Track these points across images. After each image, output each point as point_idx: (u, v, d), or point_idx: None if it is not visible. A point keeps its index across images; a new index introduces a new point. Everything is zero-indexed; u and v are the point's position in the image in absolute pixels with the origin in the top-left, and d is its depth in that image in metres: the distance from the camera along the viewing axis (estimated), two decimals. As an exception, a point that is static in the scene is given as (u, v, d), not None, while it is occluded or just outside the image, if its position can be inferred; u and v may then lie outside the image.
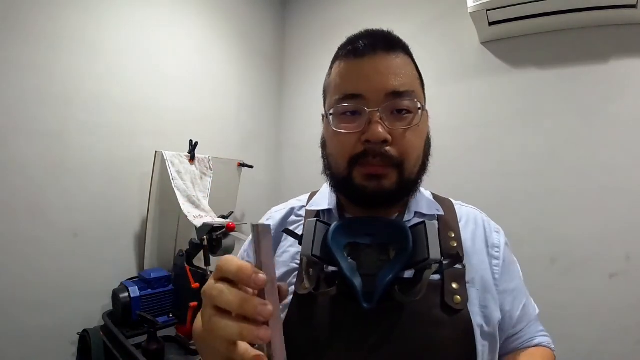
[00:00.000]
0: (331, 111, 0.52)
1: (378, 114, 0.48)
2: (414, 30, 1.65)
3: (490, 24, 1.36)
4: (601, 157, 1.26)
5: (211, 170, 1.63)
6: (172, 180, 1.44)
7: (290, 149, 2.17)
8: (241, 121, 1.96)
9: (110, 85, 1.40)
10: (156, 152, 1.45)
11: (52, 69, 1.25)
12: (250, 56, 2.01)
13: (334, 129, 0.51)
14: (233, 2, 1.92)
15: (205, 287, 0.33)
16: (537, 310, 0.61)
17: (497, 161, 1.45)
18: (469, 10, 1.32)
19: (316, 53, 2.03)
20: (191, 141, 1.56)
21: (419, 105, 0.51)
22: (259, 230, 0.31)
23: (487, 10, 1.29)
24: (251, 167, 1.84)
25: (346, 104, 0.50)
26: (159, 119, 1.56)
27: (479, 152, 1.49)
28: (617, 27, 1.24)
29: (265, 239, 0.31)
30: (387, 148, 0.48)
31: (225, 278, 0.31)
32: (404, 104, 0.50)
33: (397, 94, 0.49)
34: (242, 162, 1.82)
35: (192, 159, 1.55)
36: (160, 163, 1.46)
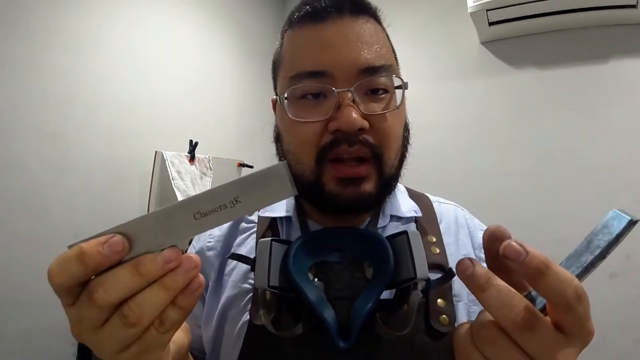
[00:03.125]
0: (285, 94, 0.40)
1: (350, 94, 0.37)
2: (414, 30, 1.65)
3: (490, 24, 1.36)
4: (601, 157, 1.26)
5: (211, 170, 1.63)
6: (172, 180, 1.44)
7: (290, 149, 2.17)
8: (241, 121, 1.96)
9: (111, 85, 1.40)
10: (156, 152, 1.45)
11: (52, 69, 1.24)
12: (250, 56, 2.01)
13: (292, 117, 0.40)
14: (233, 2, 1.92)
15: (74, 318, 0.24)
16: None
17: (497, 161, 1.45)
18: (469, 10, 1.32)
19: (316, 53, 2.03)
20: (191, 141, 1.56)
21: (398, 82, 0.41)
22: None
23: (487, 10, 1.29)
24: (251, 167, 1.84)
25: (306, 84, 0.39)
26: (159, 119, 1.56)
27: (478, 152, 1.49)
28: (617, 27, 1.24)
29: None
30: (364, 135, 0.38)
31: (71, 286, 0.23)
32: (380, 81, 0.40)
33: (372, 70, 0.39)
34: (242, 162, 1.82)
35: (192, 159, 1.55)
36: (160, 163, 1.46)
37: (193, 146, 1.56)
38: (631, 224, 0.24)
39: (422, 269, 0.35)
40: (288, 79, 0.41)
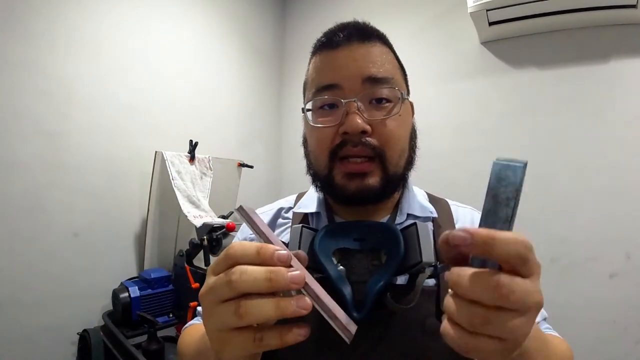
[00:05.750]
0: (308, 106, 0.50)
1: (355, 104, 0.46)
2: (414, 30, 1.65)
3: (490, 24, 1.36)
4: (601, 157, 1.26)
5: (211, 170, 1.63)
6: (172, 180, 1.44)
7: (290, 148, 2.17)
8: (241, 121, 1.96)
9: (111, 85, 1.40)
10: (156, 152, 1.45)
11: (52, 69, 1.25)
12: (250, 56, 2.01)
13: (312, 124, 0.49)
14: (233, 2, 1.92)
15: (209, 284, 0.29)
16: (546, 315, 0.57)
17: (497, 161, 1.45)
18: (469, 10, 1.32)
19: (316, 53, 2.03)
20: (191, 141, 1.56)
21: (399, 94, 0.48)
22: (247, 211, 0.30)
23: (487, 10, 1.29)
24: (251, 167, 1.84)
25: (322, 97, 0.48)
26: (159, 119, 1.56)
27: (478, 152, 1.49)
28: (617, 27, 1.24)
29: (257, 216, 0.31)
30: (367, 138, 0.46)
31: (236, 264, 0.28)
32: (382, 92, 0.47)
33: (374, 80, 0.47)
34: (242, 162, 1.82)
35: (192, 159, 1.55)
36: (160, 163, 1.46)
37: (193, 146, 1.56)
38: (525, 167, 0.27)
39: (427, 255, 0.41)
40: (311, 93, 0.50)
